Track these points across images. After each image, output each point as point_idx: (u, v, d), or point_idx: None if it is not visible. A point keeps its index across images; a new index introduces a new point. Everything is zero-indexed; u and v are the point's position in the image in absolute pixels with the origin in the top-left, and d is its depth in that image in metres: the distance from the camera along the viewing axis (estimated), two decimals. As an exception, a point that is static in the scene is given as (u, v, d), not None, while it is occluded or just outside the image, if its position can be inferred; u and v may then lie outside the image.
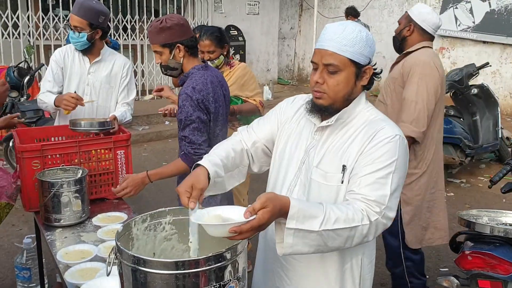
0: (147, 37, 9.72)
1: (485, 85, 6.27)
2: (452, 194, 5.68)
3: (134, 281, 1.36)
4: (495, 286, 2.25)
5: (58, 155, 2.76)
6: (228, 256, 1.38)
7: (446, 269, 3.87)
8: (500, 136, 6.15)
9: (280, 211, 1.42)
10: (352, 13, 9.66)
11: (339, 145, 1.67)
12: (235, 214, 1.48)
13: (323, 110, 1.67)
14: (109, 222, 2.53)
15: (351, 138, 1.65)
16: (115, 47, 6.61)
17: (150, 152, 7.27)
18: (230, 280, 1.40)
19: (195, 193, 1.56)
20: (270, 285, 1.88)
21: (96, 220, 2.57)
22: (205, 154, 2.45)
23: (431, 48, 3.06)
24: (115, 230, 2.49)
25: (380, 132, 1.62)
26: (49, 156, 2.73)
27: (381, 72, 1.71)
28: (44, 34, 8.43)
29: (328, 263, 1.75)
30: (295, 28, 13.51)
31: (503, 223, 2.42)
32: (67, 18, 8.61)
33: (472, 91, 6.18)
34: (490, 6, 9.41)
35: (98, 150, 2.90)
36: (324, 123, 1.69)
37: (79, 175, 2.64)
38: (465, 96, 6.19)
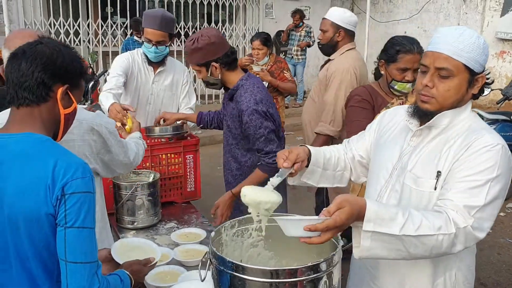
0: (200, 43, 9.84)
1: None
2: (514, 205, 5.42)
3: (230, 287, 1.35)
4: None
5: (131, 159, 2.81)
6: (323, 267, 1.35)
7: (520, 284, 3.68)
8: None
9: (359, 213, 1.38)
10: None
11: (436, 151, 1.60)
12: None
13: (427, 115, 1.60)
14: (187, 240, 2.44)
15: (449, 144, 1.58)
16: None
17: (205, 156, 7.31)
18: (327, 291, 1.36)
19: (291, 156, 1.64)
20: None
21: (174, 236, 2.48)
22: None
23: (355, 48, 3.39)
24: (187, 233, 2.50)
25: (479, 140, 1.53)
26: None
27: (492, 82, 1.63)
28: (102, 41, 8.70)
29: (420, 274, 1.67)
30: (346, 33, 13.35)
31: None
32: (124, 25, 8.87)
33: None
34: (556, 8, 8.98)
35: (168, 155, 2.94)
36: (423, 126, 1.63)
37: (151, 179, 2.67)
38: (530, 101, 5.89)
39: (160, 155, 2.92)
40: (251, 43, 5.02)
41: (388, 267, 1.71)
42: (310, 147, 1.80)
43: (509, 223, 4.90)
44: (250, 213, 1.56)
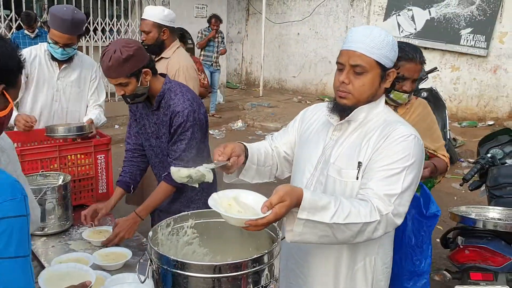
0: (93, 39, 9.41)
1: (434, 89, 6.59)
2: (407, 193, 5.92)
3: (174, 285, 1.33)
4: (487, 277, 2.38)
5: (38, 160, 2.62)
6: (265, 259, 1.38)
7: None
8: (448, 138, 6.48)
9: (296, 202, 1.45)
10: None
11: (356, 143, 1.71)
12: (252, 200, 1.51)
13: (346, 110, 1.71)
14: (100, 238, 2.37)
15: (368, 136, 1.70)
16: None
17: (104, 158, 7.03)
18: (270, 282, 1.40)
19: (227, 149, 1.67)
20: (284, 283, 1.89)
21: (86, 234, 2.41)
22: None
23: (181, 47, 3.51)
24: (101, 230, 2.42)
25: (395, 131, 1.67)
26: (27, 162, 2.59)
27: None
28: (-17, 34, 7.94)
29: (342, 261, 1.78)
30: (242, 32, 13.58)
31: (492, 218, 2.56)
32: (9, 18, 8.19)
33: (422, 94, 6.45)
34: (430, 14, 9.93)
35: (78, 155, 2.79)
36: (342, 121, 1.74)
37: (61, 181, 2.52)
38: (415, 99, 6.47)
39: (69, 156, 2.76)
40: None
41: (312, 253, 1.80)
42: (246, 144, 1.83)
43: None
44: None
